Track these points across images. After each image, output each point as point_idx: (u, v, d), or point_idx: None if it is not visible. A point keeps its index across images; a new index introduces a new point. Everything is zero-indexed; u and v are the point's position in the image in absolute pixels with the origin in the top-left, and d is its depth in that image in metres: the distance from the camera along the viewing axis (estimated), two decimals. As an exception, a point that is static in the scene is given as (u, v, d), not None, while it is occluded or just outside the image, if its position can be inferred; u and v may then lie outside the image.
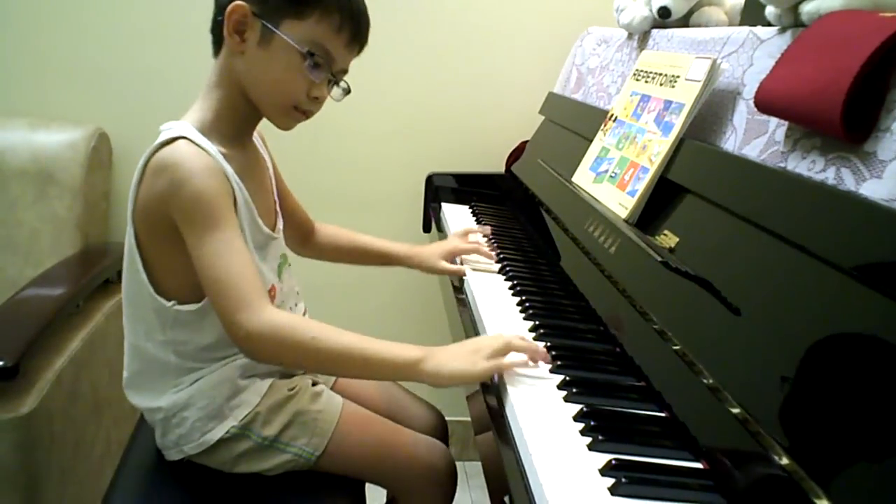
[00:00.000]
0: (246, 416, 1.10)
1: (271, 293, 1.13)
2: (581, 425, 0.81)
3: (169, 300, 1.05)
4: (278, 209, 1.22)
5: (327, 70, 1.07)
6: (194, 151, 0.99)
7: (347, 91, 1.12)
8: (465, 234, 1.49)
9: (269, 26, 1.02)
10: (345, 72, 1.11)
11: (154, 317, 1.07)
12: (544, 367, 0.96)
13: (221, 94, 1.07)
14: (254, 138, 1.19)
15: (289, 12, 1.02)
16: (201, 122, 1.05)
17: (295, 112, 1.09)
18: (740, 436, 0.74)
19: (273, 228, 1.17)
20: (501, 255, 1.42)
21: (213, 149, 1.01)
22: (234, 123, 1.09)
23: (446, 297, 1.40)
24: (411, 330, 2.01)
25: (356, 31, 1.07)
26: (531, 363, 0.96)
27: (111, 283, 1.79)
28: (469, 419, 1.07)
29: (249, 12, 1.01)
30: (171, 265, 1.03)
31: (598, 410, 0.84)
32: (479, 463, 0.96)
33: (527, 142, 1.92)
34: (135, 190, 1.02)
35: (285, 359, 1.05)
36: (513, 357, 0.95)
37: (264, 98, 1.07)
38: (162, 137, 1.01)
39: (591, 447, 0.78)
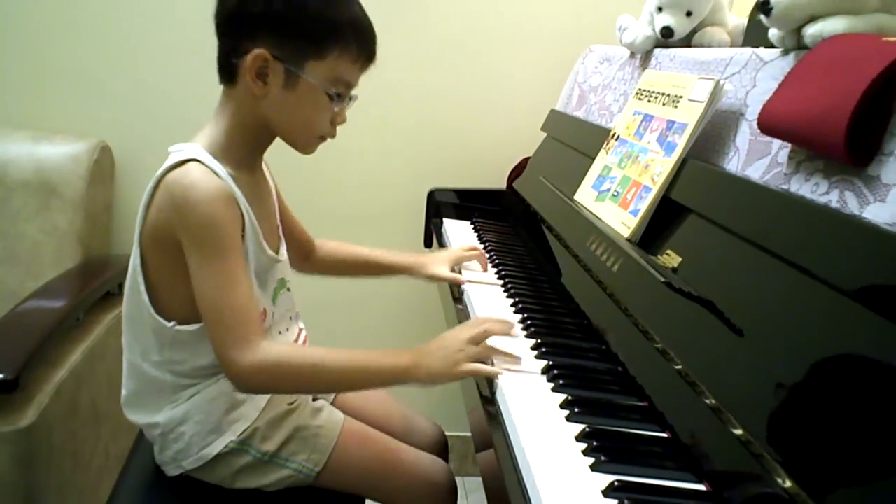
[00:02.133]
0: (245, 431, 1.10)
1: (261, 316, 1.13)
2: (583, 445, 0.81)
3: (169, 321, 1.06)
4: (281, 233, 1.23)
5: (346, 96, 1.09)
6: (205, 174, 1.00)
7: (355, 98, 1.13)
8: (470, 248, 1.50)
9: (294, 70, 1.02)
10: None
11: (152, 337, 1.08)
12: (546, 386, 0.96)
13: (235, 123, 1.07)
14: None
15: (310, 53, 1.02)
16: (212, 144, 1.05)
17: (320, 140, 1.11)
18: (743, 458, 0.74)
19: (277, 252, 1.17)
20: (503, 272, 1.42)
21: (224, 172, 1.02)
22: (246, 148, 1.09)
23: (448, 314, 1.39)
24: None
25: (370, 54, 1.09)
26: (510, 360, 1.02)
27: (112, 295, 1.79)
28: (468, 434, 1.07)
29: (271, 57, 1.00)
30: (175, 285, 1.04)
31: (600, 431, 0.84)
32: (479, 478, 0.96)
33: (528, 158, 1.92)
34: (143, 211, 1.03)
35: (283, 390, 1.12)
36: (489, 367, 1.00)
37: (291, 134, 1.09)
38: (172, 159, 1.01)
39: (593, 468, 0.77)
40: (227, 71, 1.05)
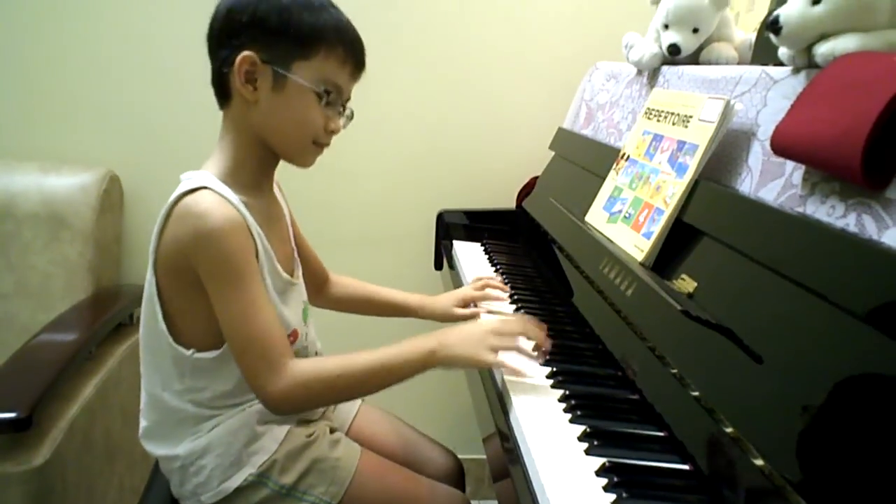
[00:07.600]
0: (264, 463, 1.10)
1: (292, 337, 1.13)
2: (604, 481, 0.80)
3: (188, 348, 1.06)
4: (296, 256, 1.23)
5: (338, 103, 1.09)
6: (218, 202, 1.00)
7: (351, 117, 1.13)
8: (478, 280, 1.48)
9: (281, 71, 1.03)
10: (348, 99, 1.13)
11: (172, 366, 1.07)
12: (564, 417, 0.94)
13: (238, 144, 1.08)
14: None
15: (296, 54, 1.04)
16: (221, 171, 1.06)
17: (314, 147, 1.11)
18: (765, 488, 0.72)
19: (292, 275, 1.17)
20: (515, 295, 1.41)
21: (235, 198, 1.03)
22: (253, 171, 1.10)
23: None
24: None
25: (358, 59, 1.10)
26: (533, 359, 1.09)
27: (124, 326, 1.79)
28: (483, 456, 1.06)
29: (258, 60, 1.02)
30: (192, 312, 1.04)
31: (620, 465, 0.83)
32: (494, 502, 0.95)
33: (537, 177, 1.92)
34: (156, 239, 1.03)
35: (317, 404, 1.16)
36: (516, 363, 1.06)
37: (285, 140, 1.09)
38: (183, 187, 1.01)
39: (615, 505, 0.76)
40: (221, 87, 1.07)
